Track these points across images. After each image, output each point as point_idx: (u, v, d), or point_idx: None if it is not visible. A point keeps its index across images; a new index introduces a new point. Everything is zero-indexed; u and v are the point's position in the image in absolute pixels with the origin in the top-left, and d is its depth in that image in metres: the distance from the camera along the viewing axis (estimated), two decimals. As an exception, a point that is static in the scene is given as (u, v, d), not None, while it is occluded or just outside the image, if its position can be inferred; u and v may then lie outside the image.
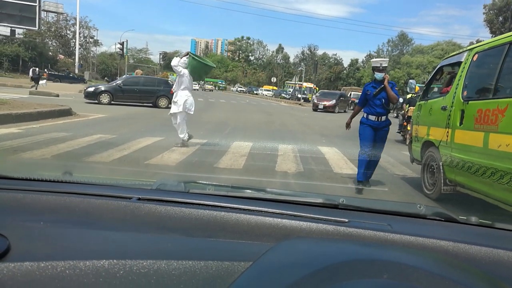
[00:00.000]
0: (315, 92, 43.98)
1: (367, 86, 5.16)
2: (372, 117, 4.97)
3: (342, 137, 9.77)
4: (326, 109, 25.00)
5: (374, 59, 5.26)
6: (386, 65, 5.09)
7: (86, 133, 7.49)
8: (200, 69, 7.14)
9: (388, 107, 5.02)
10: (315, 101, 26.59)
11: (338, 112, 25.47)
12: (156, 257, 0.61)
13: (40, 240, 0.68)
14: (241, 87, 74.05)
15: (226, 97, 39.45)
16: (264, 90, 62.68)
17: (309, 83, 52.51)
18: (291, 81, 60.18)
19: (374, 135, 4.96)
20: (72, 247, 0.65)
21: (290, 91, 51.04)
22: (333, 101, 25.72)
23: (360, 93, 5.53)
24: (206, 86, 62.95)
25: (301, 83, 49.75)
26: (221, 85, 76.95)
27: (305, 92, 43.34)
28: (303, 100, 38.70)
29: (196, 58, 7.13)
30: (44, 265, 0.57)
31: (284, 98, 46.42)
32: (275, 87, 63.70)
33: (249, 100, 39.54)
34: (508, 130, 3.32)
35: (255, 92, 64.37)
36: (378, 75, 5.03)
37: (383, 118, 4.98)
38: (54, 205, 0.85)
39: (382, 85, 4.94)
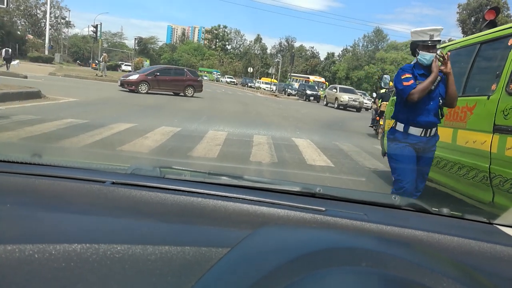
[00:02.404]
0: (324, 87, 39.74)
1: (406, 71, 2.99)
2: (416, 131, 2.99)
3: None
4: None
5: (416, 29, 2.99)
6: (439, 38, 2.97)
7: (55, 116, 7.23)
8: None
9: (443, 112, 3.11)
10: (342, 99, 23.67)
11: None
12: (131, 241, 0.59)
13: (6, 223, 0.64)
14: (230, 78, 65.62)
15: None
16: (263, 83, 51.46)
17: (318, 77, 46.43)
18: (295, 73, 53.04)
19: (417, 159, 3.06)
20: (41, 230, 0.62)
21: (292, 85, 41.51)
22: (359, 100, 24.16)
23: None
24: None
25: (307, 76, 44.91)
26: (216, 75, 69.14)
27: (316, 87, 35.44)
28: (312, 98, 31.82)
29: None
30: (11, 248, 0.54)
31: (291, 95, 37.52)
32: (274, 80, 50.29)
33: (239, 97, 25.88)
34: (476, 127, 3.45)
35: (249, 84, 52.17)
36: (426, 57, 2.93)
37: (433, 131, 3.04)
38: (21, 187, 0.82)
39: (441, 74, 2.94)
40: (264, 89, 45.40)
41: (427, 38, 2.93)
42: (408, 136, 3.01)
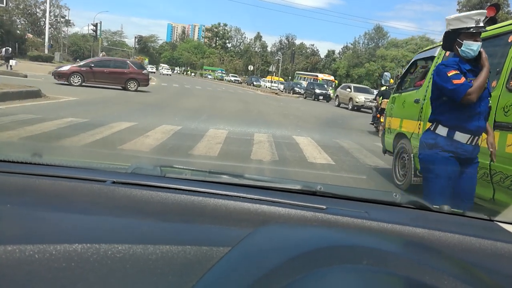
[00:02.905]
0: (334, 86, 37.56)
1: (451, 66, 2.48)
2: (463, 137, 2.52)
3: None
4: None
5: (457, 15, 2.54)
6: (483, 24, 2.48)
7: (56, 116, 7.23)
8: None
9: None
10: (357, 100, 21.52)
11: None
12: (131, 241, 0.59)
13: (7, 223, 0.64)
14: (235, 76, 64.41)
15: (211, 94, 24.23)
16: (268, 81, 48.08)
17: (326, 75, 43.95)
18: (302, 71, 50.66)
19: (459, 172, 2.60)
20: (42, 230, 0.62)
21: (301, 84, 38.44)
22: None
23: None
24: (164, 71, 57.96)
25: (315, 74, 42.46)
26: (220, 74, 68.55)
27: (325, 86, 32.99)
28: (322, 97, 29.38)
29: None
30: (12, 249, 0.54)
31: (299, 94, 35.12)
32: (280, 78, 48.36)
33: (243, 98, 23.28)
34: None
35: (255, 83, 49.24)
36: (473, 47, 2.45)
37: (478, 139, 2.58)
38: (22, 187, 0.81)
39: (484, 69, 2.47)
40: (270, 88, 42.71)
41: (472, 24, 2.43)
42: (453, 144, 2.51)
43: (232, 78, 61.68)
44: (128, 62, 18.07)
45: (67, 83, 15.52)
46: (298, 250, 0.56)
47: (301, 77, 45.64)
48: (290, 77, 53.30)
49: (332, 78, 41.99)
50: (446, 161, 2.53)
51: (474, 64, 2.50)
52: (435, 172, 2.59)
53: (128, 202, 0.80)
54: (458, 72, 2.44)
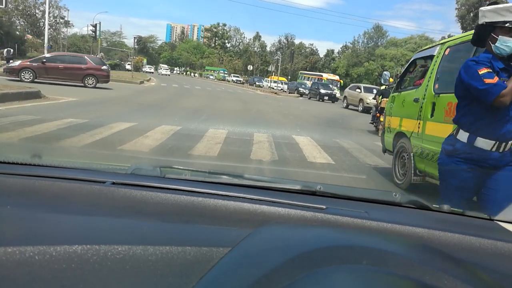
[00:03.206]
0: (339, 86, 36.64)
1: (482, 63, 2.22)
2: (486, 143, 2.27)
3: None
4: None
5: (493, 7, 2.22)
6: None
7: (55, 116, 7.23)
8: None
9: None
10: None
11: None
12: (131, 242, 0.59)
13: (7, 224, 0.64)
14: (237, 76, 62.99)
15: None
16: (272, 81, 45.90)
17: (331, 74, 42.61)
18: (305, 71, 48.75)
19: (481, 182, 2.35)
20: (42, 231, 0.62)
21: (305, 84, 37.23)
22: None
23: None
24: (163, 71, 58.69)
25: (320, 74, 41.32)
26: (222, 74, 66.92)
27: (330, 86, 31.87)
28: (327, 97, 28.11)
29: None
30: (12, 250, 0.54)
31: (304, 94, 34.11)
32: (283, 78, 47.79)
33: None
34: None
35: (258, 83, 48.58)
36: (509, 43, 2.17)
37: (509, 144, 2.29)
38: (21, 188, 0.81)
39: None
40: (273, 88, 41.27)
41: (510, 18, 2.13)
42: (473, 151, 2.27)
43: (234, 78, 60.72)
44: (86, 57, 17.26)
45: (18, 79, 14.79)
46: (298, 250, 0.56)
47: (305, 76, 44.26)
48: (289, 77, 52.57)
49: (337, 78, 40.86)
50: (461, 171, 2.32)
51: (508, 63, 2.23)
52: (448, 181, 2.42)
53: (127, 203, 0.80)
54: (491, 70, 2.18)
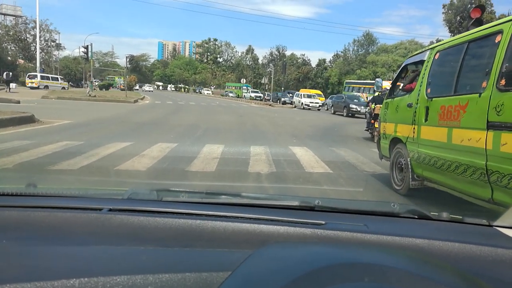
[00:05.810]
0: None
1: None
2: None
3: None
4: None
5: None
6: None
7: (51, 140, 7.21)
8: None
9: None
10: None
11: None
12: (130, 272, 0.58)
13: (3, 260, 0.63)
14: (255, 92, 53.16)
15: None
16: (305, 96, 33.22)
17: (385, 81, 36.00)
18: (351, 80, 41.09)
19: None
20: (39, 266, 0.61)
21: (356, 96, 27.17)
22: None
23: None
24: (146, 88, 61.50)
25: (367, 82, 33.62)
26: (245, 90, 53.35)
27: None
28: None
29: None
30: None
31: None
32: (318, 91, 39.16)
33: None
34: (469, 125, 3.46)
35: (283, 99, 39.51)
36: None
37: None
38: (17, 220, 0.81)
39: None
40: (308, 106, 31.17)
41: None
42: None
43: (253, 95, 49.49)
44: None
45: None
46: (299, 272, 0.55)
47: (352, 87, 36.38)
48: (283, 88, 51.89)
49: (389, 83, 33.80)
50: None
51: None
52: None
53: (125, 230, 0.79)
54: None
